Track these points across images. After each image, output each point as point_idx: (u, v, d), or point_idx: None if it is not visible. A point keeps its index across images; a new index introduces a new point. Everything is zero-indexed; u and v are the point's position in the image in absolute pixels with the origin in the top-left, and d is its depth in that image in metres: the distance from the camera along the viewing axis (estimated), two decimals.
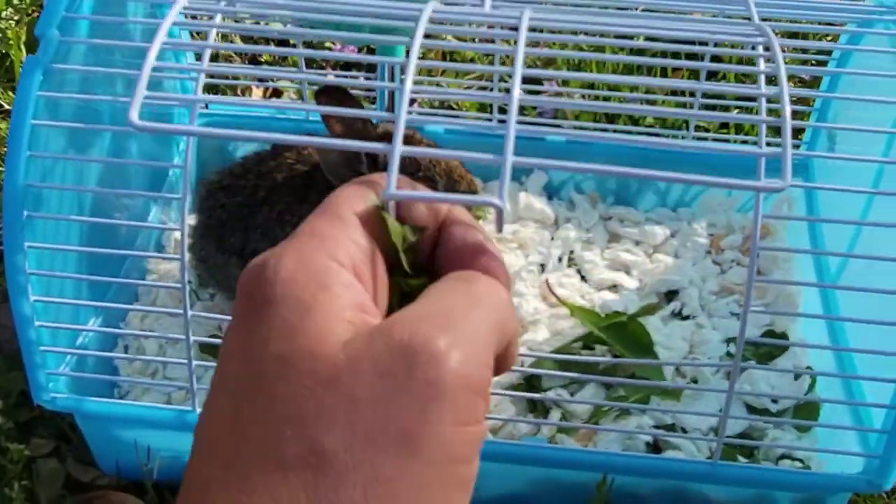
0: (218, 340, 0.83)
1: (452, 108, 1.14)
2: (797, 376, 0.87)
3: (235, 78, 1.12)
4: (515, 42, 0.48)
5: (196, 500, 0.32)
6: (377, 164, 0.79)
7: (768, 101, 0.51)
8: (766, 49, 0.55)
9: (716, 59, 0.99)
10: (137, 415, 0.78)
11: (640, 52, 1.15)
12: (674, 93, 1.01)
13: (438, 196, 0.42)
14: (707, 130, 1.12)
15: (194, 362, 0.74)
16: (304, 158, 0.86)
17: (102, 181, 0.84)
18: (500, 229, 0.39)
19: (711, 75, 1.11)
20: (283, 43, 1.22)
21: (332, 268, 0.35)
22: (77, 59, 0.76)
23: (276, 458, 0.31)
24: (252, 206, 0.84)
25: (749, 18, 0.63)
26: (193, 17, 0.90)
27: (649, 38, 0.96)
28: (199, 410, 0.75)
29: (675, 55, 0.97)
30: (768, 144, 0.49)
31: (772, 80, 0.52)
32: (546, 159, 0.44)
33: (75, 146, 0.79)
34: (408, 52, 0.47)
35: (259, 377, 0.33)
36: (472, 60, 1.15)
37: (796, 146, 1.04)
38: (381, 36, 0.68)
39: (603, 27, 0.58)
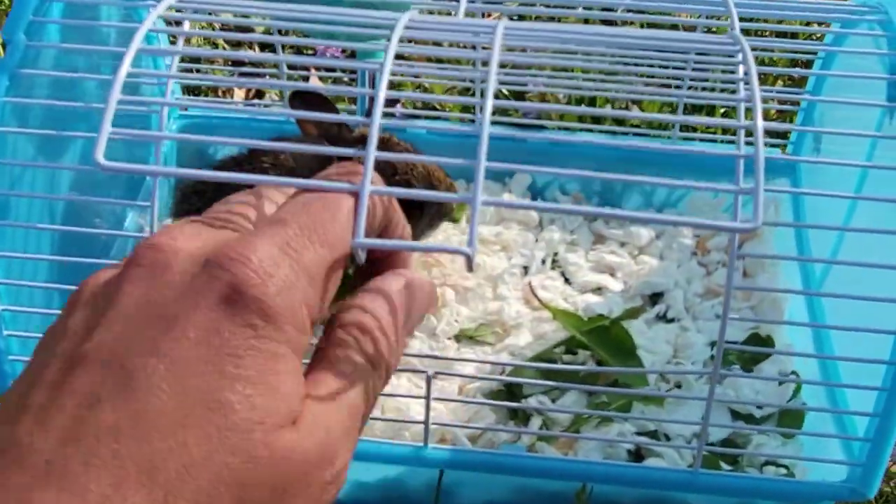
0: None
1: (437, 109, 1.13)
2: (781, 382, 0.85)
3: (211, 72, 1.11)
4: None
5: None
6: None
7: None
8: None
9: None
10: None
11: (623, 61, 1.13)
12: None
13: (408, 245, 0.41)
14: (694, 130, 1.11)
15: None
16: (280, 163, 0.85)
17: (76, 186, 0.83)
18: (470, 269, 0.38)
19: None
20: (263, 46, 1.21)
21: None
22: (47, 63, 0.75)
23: None
24: None
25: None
26: (169, 24, 0.89)
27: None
28: None
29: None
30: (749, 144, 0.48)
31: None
32: (521, 165, 0.42)
33: (46, 152, 0.78)
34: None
35: None
36: (457, 62, 1.14)
37: (783, 146, 1.03)
38: (359, 43, 0.67)
39: (576, 45, 0.57)
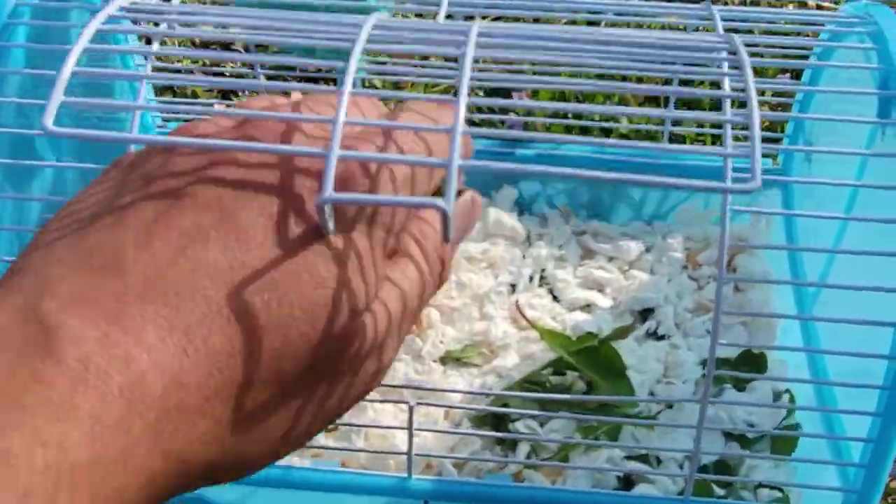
0: None
1: None
2: (775, 401, 0.83)
3: (192, 94, 1.09)
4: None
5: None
6: None
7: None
8: (732, 53, 0.52)
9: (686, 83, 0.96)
10: None
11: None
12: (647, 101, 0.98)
13: (379, 199, 0.39)
14: (683, 140, 1.09)
15: None
16: None
17: (48, 205, 0.81)
18: (446, 238, 0.36)
19: (685, 83, 1.08)
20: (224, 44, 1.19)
21: None
22: (11, 85, 0.73)
23: None
24: None
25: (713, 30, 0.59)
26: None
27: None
28: None
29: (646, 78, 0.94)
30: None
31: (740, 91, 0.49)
32: (493, 162, 0.40)
33: (12, 180, 0.76)
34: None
35: None
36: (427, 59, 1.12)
37: (773, 155, 1.01)
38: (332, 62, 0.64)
39: (557, 43, 0.54)
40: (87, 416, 0.27)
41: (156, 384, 0.29)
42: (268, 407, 0.33)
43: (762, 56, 0.65)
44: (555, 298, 0.96)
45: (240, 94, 1.23)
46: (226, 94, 1.23)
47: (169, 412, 0.29)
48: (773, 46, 0.65)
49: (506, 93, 1.08)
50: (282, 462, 0.79)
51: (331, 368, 0.35)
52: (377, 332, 0.36)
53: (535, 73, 1.09)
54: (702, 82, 0.99)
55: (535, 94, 1.05)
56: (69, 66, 0.43)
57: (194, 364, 0.30)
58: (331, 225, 0.35)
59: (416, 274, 0.39)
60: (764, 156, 1.02)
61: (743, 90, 0.47)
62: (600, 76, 1.07)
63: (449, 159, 0.38)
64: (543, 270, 0.98)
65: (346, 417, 0.73)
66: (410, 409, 0.68)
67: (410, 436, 0.69)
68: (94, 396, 0.28)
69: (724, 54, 0.53)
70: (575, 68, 0.55)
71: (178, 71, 1.13)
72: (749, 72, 0.48)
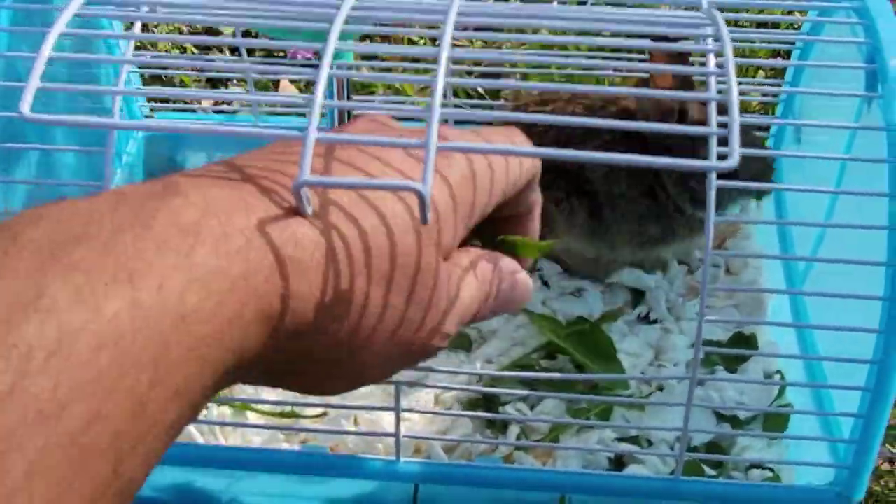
0: None
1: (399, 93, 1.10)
2: (766, 383, 0.83)
3: (180, 83, 1.08)
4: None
5: None
6: (682, 118, 0.80)
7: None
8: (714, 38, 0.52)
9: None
10: None
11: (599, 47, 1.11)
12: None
13: (354, 182, 0.38)
14: None
15: None
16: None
17: (32, 196, 0.81)
18: (424, 219, 0.36)
19: None
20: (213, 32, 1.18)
21: None
22: None
23: None
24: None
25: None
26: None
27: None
28: None
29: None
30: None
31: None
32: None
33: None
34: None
35: None
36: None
37: (763, 139, 1.01)
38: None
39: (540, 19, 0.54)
40: (210, 238, 0.32)
41: (276, 233, 0.34)
42: (368, 300, 0.37)
43: (752, 41, 0.65)
44: (545, 284, 0.95)
45: (228, 83, 1.23)
46: (213, 83, 1.22)
47: (284, 260, 0.34)
48: (764, 25, 0.65)
49: (495, 77, 1.07)
50: (270, 445, 0.78)
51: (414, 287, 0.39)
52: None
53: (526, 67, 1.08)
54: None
55: (525, 77, 1.05)
56: (45, 53, 0.42)
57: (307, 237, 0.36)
58: (308, 209, 0.36)
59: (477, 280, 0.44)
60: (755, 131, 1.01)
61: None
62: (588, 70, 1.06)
63: (426, 139, 0.37)
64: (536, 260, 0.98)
65: (337, 401, 0.73)
66: (397, 390, 0.68)
67: (398, 417, 0.69)
68: (216, 225, 0.32)
69: (708, 31, 0.53)
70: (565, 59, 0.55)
71: (164, 68, 1.13)
72: (729, 48, 0.47)
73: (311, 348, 0.36)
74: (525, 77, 1.05)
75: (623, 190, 0.87)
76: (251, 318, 0.33)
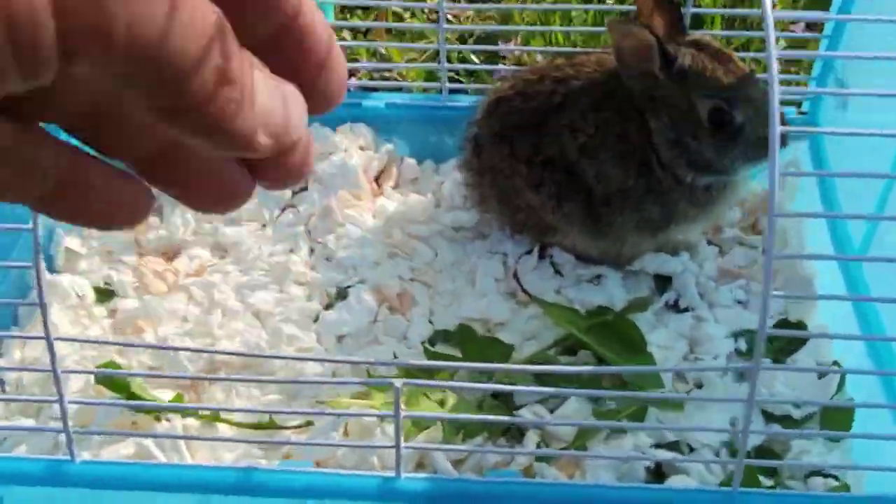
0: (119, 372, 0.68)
1: (396, 80, 0.99)
2: (821, 375, 0.72)
3: None
4: None
5: None
6: (669, 63, 0.76)
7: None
8: None
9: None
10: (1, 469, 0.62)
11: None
12: None
13: None
14: None
15: (67, 397, 0.58)
16: (602, 67, 0.81)
17: None
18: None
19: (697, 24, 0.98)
20: None
21: None
22: None
23: None
24: (546, 111, 0.82)
25: None
26: None
27: None
28: (79, 461, 0.60)
29: None
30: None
31: None
32: None
33: None
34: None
35: None
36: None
37: (798, 103, 0.90)
38: None
39: None
40: None
41: None
42: None
43: None
44: (557, 271, 0.84)
45: None
46: None
47: None
48: None
49: (493, 43, 0.97)
50: (245, 462, 0.66)
51: None
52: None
53: (525, 24, 0.98)
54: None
55: (527, 42, 0.94)
56: None
57: None
58: None
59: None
60: (785, 104, 0.91)
61: None
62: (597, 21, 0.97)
63: None
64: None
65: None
66: (397, 391, 0.56)
67: (398, 425, 0.57)
68: None
69: None
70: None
71: None
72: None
73: None
74: (528, 41, 0.95)
75: (616, 173, 0.80)
76: None
